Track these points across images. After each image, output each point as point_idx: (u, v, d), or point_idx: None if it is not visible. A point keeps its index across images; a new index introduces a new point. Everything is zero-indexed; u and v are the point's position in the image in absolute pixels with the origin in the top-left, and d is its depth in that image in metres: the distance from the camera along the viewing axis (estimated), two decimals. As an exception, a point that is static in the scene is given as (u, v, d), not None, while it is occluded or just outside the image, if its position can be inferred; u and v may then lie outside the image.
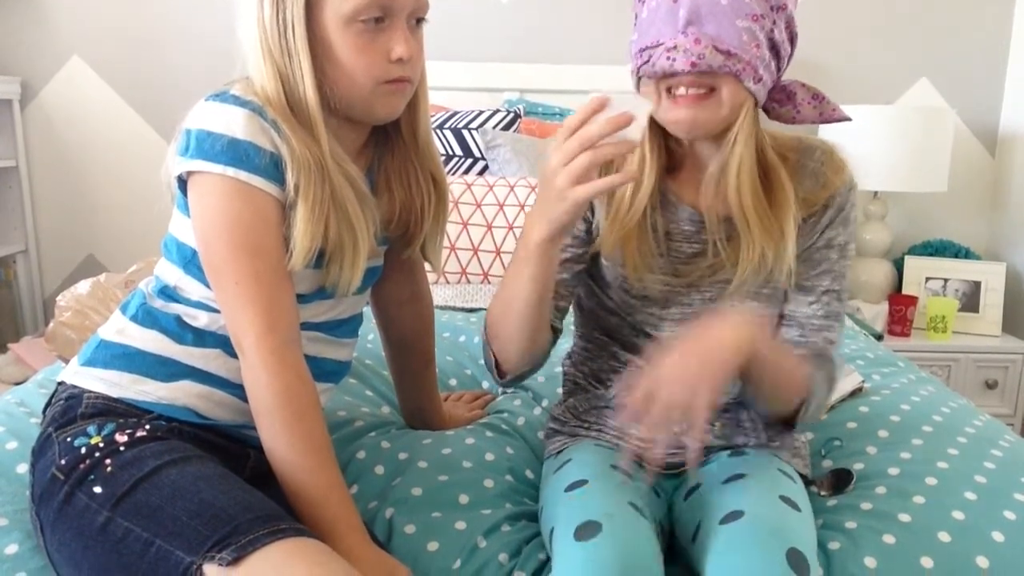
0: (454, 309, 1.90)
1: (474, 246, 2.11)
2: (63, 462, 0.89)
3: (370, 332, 1.51)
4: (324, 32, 0.92)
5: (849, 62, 2.74)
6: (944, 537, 0.96)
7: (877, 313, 2.58)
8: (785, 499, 0.92)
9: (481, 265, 2.11)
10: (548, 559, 0.98)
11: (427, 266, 1.21)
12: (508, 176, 2.28)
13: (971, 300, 2.65)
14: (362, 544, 0.88)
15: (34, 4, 2.63)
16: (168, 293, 1.00)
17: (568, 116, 1.25)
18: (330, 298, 1.03)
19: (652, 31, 0.95)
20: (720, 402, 1.08)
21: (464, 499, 1.06)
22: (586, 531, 0.85)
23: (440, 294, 1.98)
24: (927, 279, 2.68)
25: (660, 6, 0.94)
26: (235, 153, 0.90)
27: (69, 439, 0.91)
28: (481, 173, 2.37)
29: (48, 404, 1.01)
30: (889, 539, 0.96)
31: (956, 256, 2.72)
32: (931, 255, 2.74)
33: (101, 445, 0.89)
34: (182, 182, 0.95)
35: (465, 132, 2.41)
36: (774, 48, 0.96)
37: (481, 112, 2.46)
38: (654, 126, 1.01)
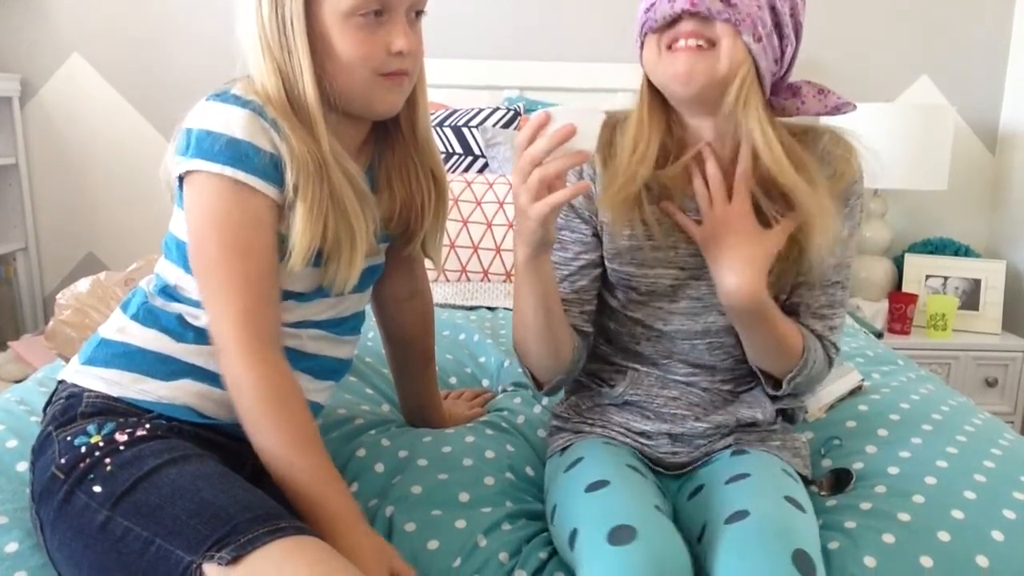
0: (454, 307, 1.90)
1: (474, 244, 2.11)
2: (63, 461, 0.89)
3: (370, 330, 1.50)
4: (323, 27, 0.92)
5: (849, 59, 2.74)
6: (944, 536, 0.96)
7: (877, 311, 2.58)
8: (790, 500, 0.92)
9: (481, 263, 2.11)
10: (548, 558, 0.98)
11: (428, 263, 1.21)
12: (508, 174, 2.27)
13: (971, 298, 2.64)
14: (364, 540, 0.88)
15: (34, 2, 2.62)
16: (169, 292, 1.00)
17: (516, 135, 1.26)
18: (330, 296, 1.03)
19: None
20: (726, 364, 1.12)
21: (464, 497, 1.06)
22: (620, 535, 0.84)
23: (440, 292, 1.98)
24: (927, 277, 2.68)
25: None
26: (234, 153, 0.90)
27: (69, 438, 0.91)
28: (481, 171, 2.37)
29: (48, 403, 1.01)
30: (889, 538, 0.96)
31: (956, 254, 2.72)
32: (931, 253, 2.74)
33: (101, 444, 0.89)
34: (182, 181, 0.95)
35: (465, 130, 2.41)
36: (775, 16, 0.96)
37: (481, 110, 2.46)
38: (656, 97, 1.02)
